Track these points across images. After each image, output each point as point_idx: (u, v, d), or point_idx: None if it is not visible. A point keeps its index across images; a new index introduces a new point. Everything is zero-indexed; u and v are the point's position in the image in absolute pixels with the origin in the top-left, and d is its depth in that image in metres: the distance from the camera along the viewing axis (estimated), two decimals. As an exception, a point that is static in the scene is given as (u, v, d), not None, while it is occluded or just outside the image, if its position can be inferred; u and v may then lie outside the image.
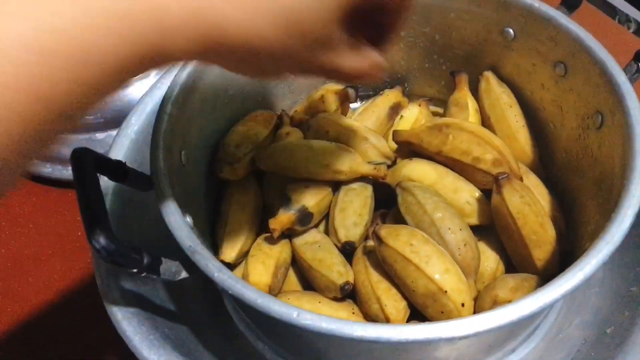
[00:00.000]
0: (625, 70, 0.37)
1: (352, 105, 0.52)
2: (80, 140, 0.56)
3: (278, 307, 0.28)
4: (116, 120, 0.56)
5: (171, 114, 0.37)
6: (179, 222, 0.32)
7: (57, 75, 0.19)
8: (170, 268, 0.32)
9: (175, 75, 0.40)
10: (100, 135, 0.56)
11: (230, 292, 0.29)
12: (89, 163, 0.32)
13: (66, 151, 0.57)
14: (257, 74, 0.29)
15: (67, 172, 0.57)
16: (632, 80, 0.37)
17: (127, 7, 0.20)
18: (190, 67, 0.40)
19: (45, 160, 0.57)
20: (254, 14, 0.23)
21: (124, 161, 0.42)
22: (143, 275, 0.31)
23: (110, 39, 0.20)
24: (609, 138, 0.36)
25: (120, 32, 0.21)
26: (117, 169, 0.35)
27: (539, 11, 0.41)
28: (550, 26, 0.40)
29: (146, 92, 0.48)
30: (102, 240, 0.29)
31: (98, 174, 0.32)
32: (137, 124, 0.46)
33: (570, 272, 0.28)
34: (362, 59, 0.29)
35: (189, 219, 0.36)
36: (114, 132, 0.56)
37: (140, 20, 0.21)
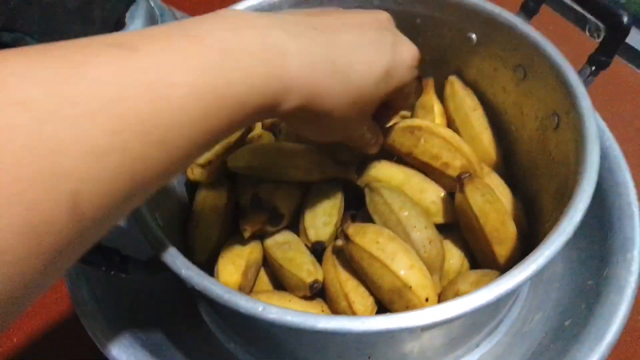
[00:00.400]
0: (579, 73, 0.39)
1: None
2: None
3: (244, 302, 0.29)
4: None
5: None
6: (148, 222, 0.33)
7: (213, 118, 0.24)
8: (139, 266, 0.32)
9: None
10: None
11: (197, 288, 0.30)
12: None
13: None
14: (322, 137, 0.35)
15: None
16: (586, 83, 0.39)
17: (265, 70, 0.25)
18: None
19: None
20: (342, 91, 0.30)
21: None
22: (112, 273, 0.31)
23: (252, 95, 0.25)
24: (565, 137, 0.38)
25: (258, 87, 0.25)
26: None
27: (499, 18, 0.42)
28: (510, 32, 0.42)
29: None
30: (69, 238, 0.29)
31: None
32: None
33: (524, 264, 0.29)
34: (375, 136, 0.39)
35: (158, 219, 0.37)
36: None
37: (273, 79, 0.26)
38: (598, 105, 0.46)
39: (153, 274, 0.33)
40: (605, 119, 0.45)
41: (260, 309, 0.28)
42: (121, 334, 0.35)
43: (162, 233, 0.33)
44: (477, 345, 0.40)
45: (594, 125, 0.34)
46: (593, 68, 0.39)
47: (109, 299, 0.38)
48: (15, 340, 0.48)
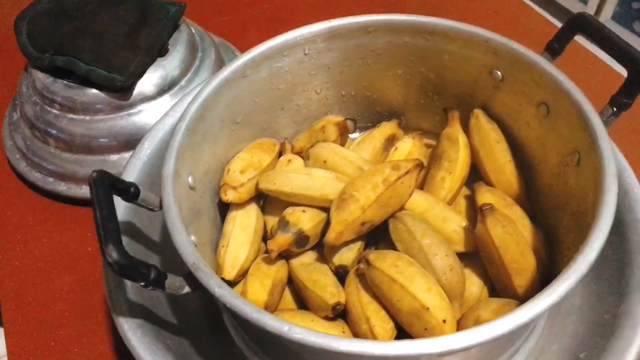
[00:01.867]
0: (601, 113, 0.40)
1: (352, 135, 0.56)
2: (94, 161, 0.60)
3: (271, 322, 0.31)
4: (129, 144, 0.59)
5: (181, 143, 0.41)
6: (184, 241, 0.35)
7: None
8: (175, 283, 0.35)
9: (187, 106, 0.43)
10: (113, 157, 0.60)
11: (228, 306, 0.32)
12: (105, 185, 0.35)
13: (81, 171, 0.61)
14: None
15: (80, 191, 0.60)
16: (607, 122, 0.40)
17: None
18: (200, 99, 0.44)
19: (61, 179, 0.61)
20: None
21: (136, 183, 0.46)
22: (150, 288, 0.33)
23: None
24: (585, 175, 0.39)
25: None
26: (129, 190, 0.38)
27: (524, 56, 0.44)
28: (534, 70, 0.44)
29: (159, 119, 0.51)
30: (114, 255, 0.31)
31: (113, 195, 0.35)
32: (149, 148, 0.49)
33: (539, 298, 0.30)
34: None
35: (193, 238, 0.39)
36: (126, 155, 0.60)
37: None
38: (622, 140, 0.47)
39: (188, 290, 0.35)
40: (630, 152, 0.46)
41: (286, 328, 0.30)
42: (154, 345, 0.38)
43: (197, 252, 0.35)
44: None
45: (613, 167, 0.35)
46: (614, 109, 0.40)
47: (145, 312, 0.40)
48: (52, 344, 0.51)
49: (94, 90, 0.58)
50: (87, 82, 0.58)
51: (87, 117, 0.59)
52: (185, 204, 0.41)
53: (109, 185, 0.36)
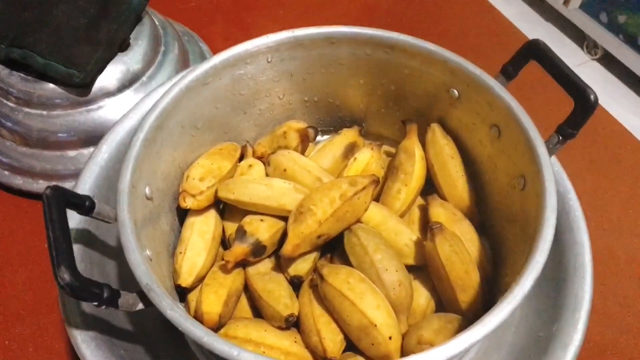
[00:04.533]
0: (547, 140, 0.42)
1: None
2: (52, 156, 0.59)
3: (221, 346, 0.32)
4: (88, 140, 0.59)
5: (138, 154, 0.41)
6: (137, 260, 0.36)
7: None
8: (128, 300, 0.35)
9: (145, 116, 0.43)
10: (72, 153, 0.59)
11: (180, 329, 0.33)
12: (59, 202, 0.35)
13: (38, 165, 0.60)
14: None
15: (37, 185, 0.60)
16: (552, 150, 0.42)
17: None
18: (159, 109, 0.43)
19: (17, 173, 0.60)
20: None
21: (92, 192, 0.46)
22: (103, 307, 0.34)
23: None
24: (529, 201, 0.41)
25: None
26: (84, 205, 0.38)
27: (478, 78, 0.45)
28: (488, 93, 0.45)
29: (118, 121, 0.51)
30: (66, 277, 0.32)
31: (66, 211, 0.36)
32: (107, 152, 0.49)
33: (475, 328, 0.32)
34: None
35: (148, 252, 0.40)
36: (85, 151, 0.59)
37: None
38: (569, 158, 0.49)
39: (142, 307, 0.36)
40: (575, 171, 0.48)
41: (235, 353, 0.31)
42: (106, 354, 0.38)
43: (151, 269, 0.36)
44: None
45: (554, 200, 0.37)
46: (560, 137, 0.42)
47: (99, 322, 0.41)
48: (7, 342, 0.51)
49: (52, 85, 0.57)
50: (45, 76, 0.56)
51: (45, 112, 0.57)
52: (141, 214, 0.41)
53: (63, 201, 0.36)
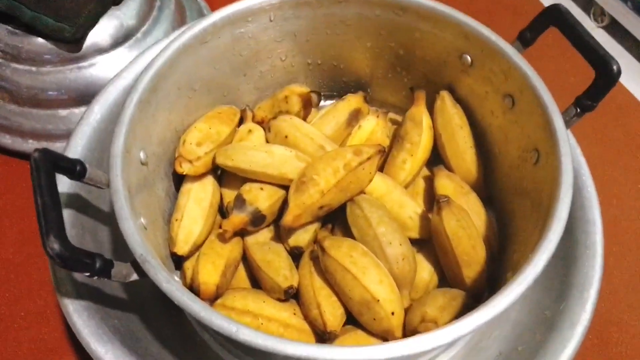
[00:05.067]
0: (564, 113, 0.40)
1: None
2: (42, 115, 0.56)
3: (219, 322, 0.30)
4: (80, 99, 0.56)
5: (132, 117, 0.38)
6: (131, 229, 0.34)
7: None
8: (122, 271, 0.34)
9: (140, 76, 0.40)
10: (63, 112, 0.56)
11: (176, 302, 0.31)
12: (47, 166, 0.33)
13: (27, 124, 0.58)
14: None
15: (27, 145, 0.57)
16: (569, 123, 0.40)
17: None
18: (154, 69, 0.41)
19: (6, 132, 0.57)
20: None
21: (84, 154, 0.44)
22: (95, 278, 0.32)
23: None
24: (541, 177, 0.39)
25: None
26: (75, 169, 0.36)
27: (493, 44, 0.43)
28: (503, 60, 0.42)
29: (111, 80, 0.48)
30: (56, 247, 0.30)
31: (55, 177, 0.33)
32: (99, 112, 0.47)
33: (484, 309, 0.31)
34: None
35: (143, 220, 0.38)
36: (76, 110, 0.57)
37: None
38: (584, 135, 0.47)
39: (136, 278, 0.34)
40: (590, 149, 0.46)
41: (234, 329, 0.30)
42: (100, 328, 0.37)
43: (145, 239, 0.34)
44: (436, 357, 0.42)
45: (570, 177, 0.35)
46: (578, 110, 0.40)
47: (91, 290, 0.39)
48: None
49: (41, 39, 0.54)
50: (33, 30, 0.53)
51: (34, 68, 0.55)
52: (135, 180, 0.39)
53: (52, 166, 0.34)
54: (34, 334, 0.49)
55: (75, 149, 0.44)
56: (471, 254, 0.42)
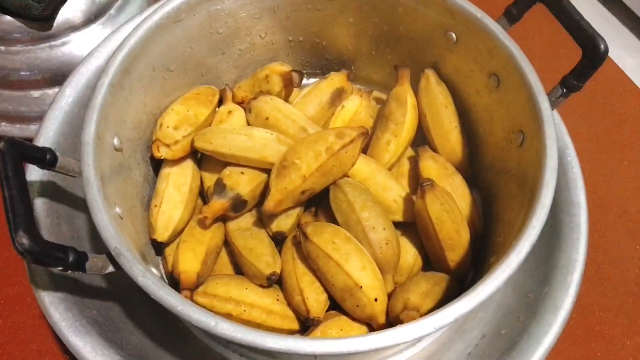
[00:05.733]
0: (550, 93, 0.39)
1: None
2: (14, 96, 0.54)
3: (197, 316, 0.30)
4: (53, 79, 0.54)
5: (103, 102, 0.37)
6: (105, 221, 0.33)
7: None
8: (97, 264, 0.33)
9: (110, 58, 0.39)
10: (35, 93, 0.54)
11: (152, 297, 0.30)
12: (15, 157, 0.32)
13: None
14: None
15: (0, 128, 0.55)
16: (555, 104, 0.39)
17: None
18: (125, 50, 0.39)
19: (-23, 115, 0.55)
20: None
21: (55, 142, 0.42)
22: (69, 272, 0.31)
23: None
24: (526, 159, 0.38)
25: None
26: (45, 158, 0.35)
27: (479, 21, 0.41)
28: (489, 38, 0.41)
29: (83, 60, 0.46)
30: (25, 242, 0.29)
31: (24, 167, 0.32)
32: (71, 95, 0.45)
33: (466, 298, 0.31)
34: None
35: (118, 210, 0.37)
36: (49, 91, 0.55)
37: None
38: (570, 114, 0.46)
39: (112, 270, 0.34)
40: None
41: (212, 324, 0.29)
42: (77, 321, 0.36)
43: (120, 230, 0.33)
44: (419, 341, 0.42)
45: (555, 161, 0.34)
46: (564, 90, 0.39)
47: (68, 280, 0.38)
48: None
49: (9, 17, 0.51)
50: (1, 7, 0.51)
51: (3, 47, 0.52)
52: (109, 167, 0.38)
53: (20, 156, 0.32)
54: (14, 320, 0.48)
55: (47, 135, 0.42)
56: (455, 237, 0.41)
